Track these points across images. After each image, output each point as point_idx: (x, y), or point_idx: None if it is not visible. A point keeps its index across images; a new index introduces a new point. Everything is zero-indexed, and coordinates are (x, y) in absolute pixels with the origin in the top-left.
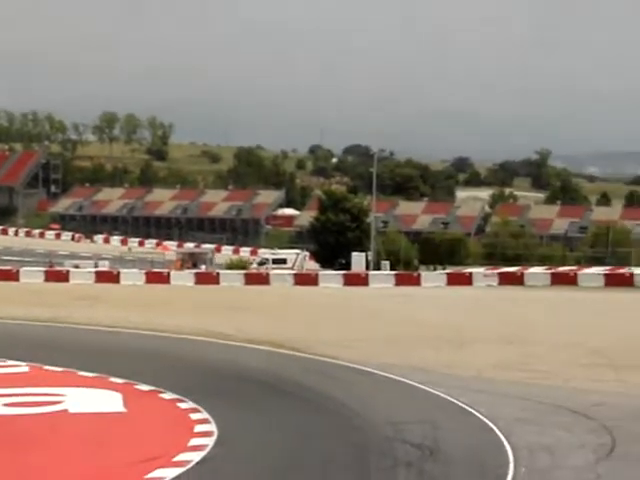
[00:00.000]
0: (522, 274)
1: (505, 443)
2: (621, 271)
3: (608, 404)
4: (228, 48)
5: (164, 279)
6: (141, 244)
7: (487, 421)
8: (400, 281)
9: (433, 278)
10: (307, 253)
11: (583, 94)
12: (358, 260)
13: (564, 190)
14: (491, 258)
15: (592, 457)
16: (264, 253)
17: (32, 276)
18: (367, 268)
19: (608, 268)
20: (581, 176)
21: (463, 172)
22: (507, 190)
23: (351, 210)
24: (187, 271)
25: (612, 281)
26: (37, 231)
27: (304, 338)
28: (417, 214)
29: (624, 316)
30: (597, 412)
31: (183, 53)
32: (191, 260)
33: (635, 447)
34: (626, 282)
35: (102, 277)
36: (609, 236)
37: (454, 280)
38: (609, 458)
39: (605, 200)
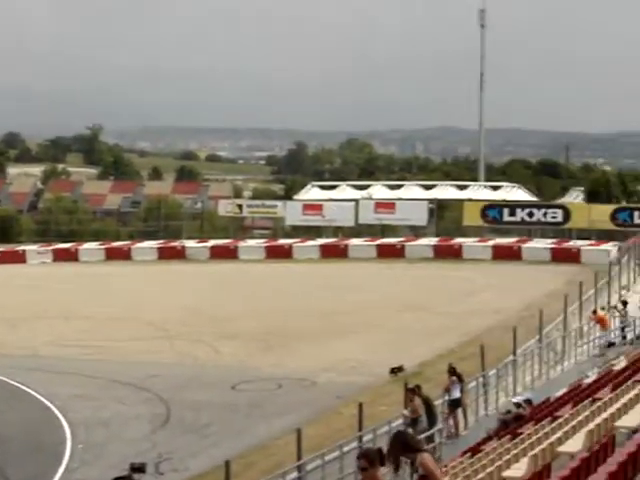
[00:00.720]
0: (77, 250)
1: (62, 420)
2: (173, 244)
3: (163, 375)
4: None
5: None
6: None
7: (44, 400)
8: None
9: None
10: None
11: (118, 69)
12: None
13: (116, 165)
14: (45, 235)
15: (148, 427)
16: None
17: None
18: None
19: (160, 242)
20: (133, 151)
21: (14, 148)
22: (59, 166)
23: None
24: None
25: (165, 254)
26: None
27: None
28: None
29: (178, 288)
30: (152, 383)
31: None
32: None
33: (188, 414)
34: (179, 255)
35: None
36: (161, 210)
37: (6, 258)
38: (164, 427)
39: (157, 174)
